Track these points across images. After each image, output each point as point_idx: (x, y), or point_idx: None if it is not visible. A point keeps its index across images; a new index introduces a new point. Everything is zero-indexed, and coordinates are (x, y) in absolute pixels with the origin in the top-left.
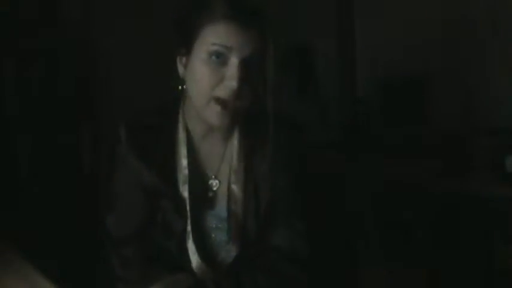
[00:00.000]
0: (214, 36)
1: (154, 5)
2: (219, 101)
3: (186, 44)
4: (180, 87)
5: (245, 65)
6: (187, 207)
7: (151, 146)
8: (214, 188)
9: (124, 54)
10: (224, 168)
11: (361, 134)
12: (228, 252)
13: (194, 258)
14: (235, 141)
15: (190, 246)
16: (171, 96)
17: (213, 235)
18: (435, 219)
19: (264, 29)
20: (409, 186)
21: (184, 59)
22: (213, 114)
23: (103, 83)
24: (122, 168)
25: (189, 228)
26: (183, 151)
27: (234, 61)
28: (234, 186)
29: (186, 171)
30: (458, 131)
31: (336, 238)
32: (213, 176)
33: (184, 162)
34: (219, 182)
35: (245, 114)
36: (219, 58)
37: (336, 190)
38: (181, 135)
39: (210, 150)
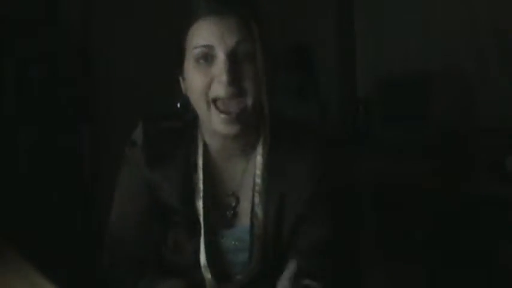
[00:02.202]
0: (195, 39)
1: (154, 5)
2: (217, 104)
3: (180, 60)
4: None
5: (234, 58)
6: (201, 224)
7: (170, 156)
8: (233, 206)
9: (124, 54)
10: (246, 186)
11: (361, 134)
12: (247, 273)
13: (208, 278)
14: (258, 158)
15: (204, 264)
16: (176, 97)
17: (231, 255)
18: (435, 219)
19: (246, 16)
20: (409, 186)
21: (183, 76)
22: (219, 123)
23: (103, 83)
24: (133, 179)
25: (202, 246)
26: (199, 163)
27: (220, 57)
28: (257, 208)
29: (201, 185)
30: (458, 131)
31: (335, 238)
32: (231, 193)
33: (200, 174)
34: (239, 200)
35: (256, 118)
36: (207, 60)
37: (336, 190)
38: (200, 146)
39: (230, 166)
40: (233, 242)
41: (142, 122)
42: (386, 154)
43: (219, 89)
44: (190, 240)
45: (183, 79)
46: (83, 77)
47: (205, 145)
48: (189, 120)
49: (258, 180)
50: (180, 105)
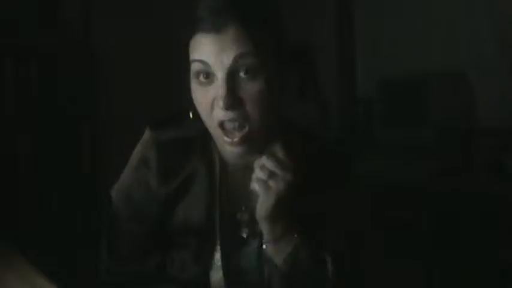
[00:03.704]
0: (192, 53)
1: (154, 5)
2: (224, 125)
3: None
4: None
5: (233, 77)
6: (217, 242)
7: (185, 168)
8: (247, 223)
9: (124, 54)
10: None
11: (361, 134)
12: None
13: None
14: None
15: (219, 285)
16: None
17: (246, 275)
18: (435, 219)
19: (250, 26)
20: (409, 186)
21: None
22: (223, 143)
23: (103, 82)
24: (140, 193)
25: (219, 264)
26: (217, 177)
27: (218, 77)
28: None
29: (217, 201)
30: (458, 131)
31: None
32: (244, 209)
33: (217, 190)
34: (256, 217)
35: (267, 134)
36: (208, 78)
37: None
38: (216, 159)
39: (247, 180)
40: (248, 261)
41: (152, 134)
42: (386, 154)
43: (220, 113)
44: (201, 259)
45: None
46: (83, 77)
47: (221, 157)
48: (203, 128)
49: None
50: (193, 114)
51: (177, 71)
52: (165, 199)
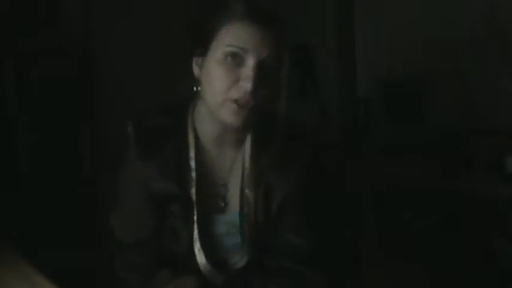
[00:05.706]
0: (230, 38)
1: (154, 5)
2: (234, 102)
3: (202, 45)
4: (195, 88)
5: (261, 67)
6: (195, 212)
7: (162, 148)
8: (223, 194)
9: (124, 54)
10: (235, 173)
11: (361, 134)
12: (241, 256)
13: (202, 263)
14: (247, 145)
15: (198, 251)
16: (176, 96)
17: (224, 240)
18: (435, 219)
19: (282, 33)
20: (409, 186)
21: (200, 60)
22: (229, 114)
23: (103, 83)
24: (129, 173)
25: (196, 233)
26: (191, 153)
27: (250, 62)
28: (247, 191)
29: (193, 175)
30: (458, 131)
31: (336, 238)
32: (222, 182)
33: (192, 165)
34: (229, 187)
35: (259, 116)
36: (235, 59)
37: (336, 190)
38: (190, 138)
39: (220, 155)
40: (225, 230)
41: (132, 119)
42: (386, 154)
43: (240, 92)
44: (185, 227)
45: (199, 65)
46: (83, 77)
47: (196, 137)
48: (178, 116)
49: (248, 166)
50: (196, 88)
51: (177, 70)
52: (147, 173)
